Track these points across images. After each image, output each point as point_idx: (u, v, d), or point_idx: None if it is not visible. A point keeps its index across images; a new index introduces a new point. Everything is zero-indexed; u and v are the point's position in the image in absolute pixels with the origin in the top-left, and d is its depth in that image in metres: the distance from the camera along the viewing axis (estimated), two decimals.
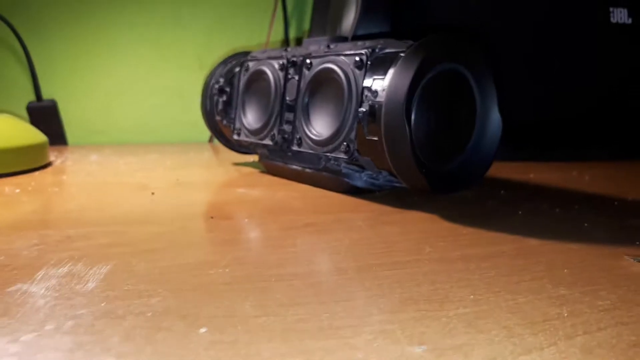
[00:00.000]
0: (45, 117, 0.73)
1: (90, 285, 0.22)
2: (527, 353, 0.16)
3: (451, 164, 0.35)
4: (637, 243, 0.28)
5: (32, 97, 0.73)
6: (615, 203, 0.38)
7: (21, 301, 0.20)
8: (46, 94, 0.74)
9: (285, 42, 0.81)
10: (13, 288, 0.21)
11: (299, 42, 0.83)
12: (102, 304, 0.20)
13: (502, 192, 0.42)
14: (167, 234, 0.29)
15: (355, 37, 0.54)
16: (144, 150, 0.69)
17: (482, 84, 0.35)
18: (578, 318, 0.19)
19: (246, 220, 0.33)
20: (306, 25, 0.82)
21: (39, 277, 0.22)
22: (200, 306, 0.20)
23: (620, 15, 0.57)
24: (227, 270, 0.24)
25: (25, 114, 0.72)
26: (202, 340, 0.17)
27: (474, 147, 0.36)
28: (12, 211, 0.34)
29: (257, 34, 0.81)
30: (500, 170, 0.52)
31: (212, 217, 0.33)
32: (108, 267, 0.24)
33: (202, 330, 0.18)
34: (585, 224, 0.32)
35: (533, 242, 0.28)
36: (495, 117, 0.36)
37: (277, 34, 0.82)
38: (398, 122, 0.32)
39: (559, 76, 0.59)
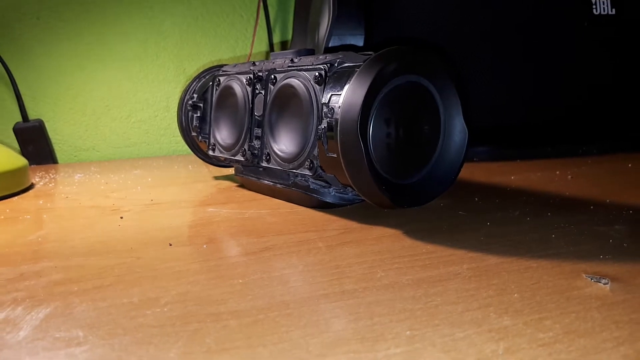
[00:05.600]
0: (33, 137, 0.73)
1: (22, 333, 0.21)
2: None
3: (416, 176, 0.34)
4: (601, 257, 0.27)
5: (18, 118, 0.73)
6: (591, 207, 0.37)
7: None
8: (33, 114, 0.74)
9: (270, 52, 0.81)
10: None
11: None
12: (26, 359, 0.19)
13: (476, 199, 0.41)
14: (120, 267, 0.29)
15: (328, 50, 0.53)
16: (129, 165, 0.69)
17: (444, 94, 0.34)
18: (512, 355, 0.18)
19: (205, 246, 0.32)
20: (289, 34, 0.81)
21: None
22: (124, 356, 0.19)
23: (603, 7, 0.56)
24: (165, 309, 0.23)
25: (12, 135, 0.72)
26: None
27: (440, 158, 0.35)
28: None
29: (242, 43, 0.80)
30: (483, 171, 0.51)
31: (170, 245, 0.32)
32: (48, 310, 0.23)
33: None
34: (553, 235, 0.31)
35: (492, 261, 0.27)
36: (460, 127, 0.35)
37: (262, 44, 0.81)
38: (353, 140, 0.31)
39: (545, 73, 0.58)
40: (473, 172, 0.52)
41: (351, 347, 0.19)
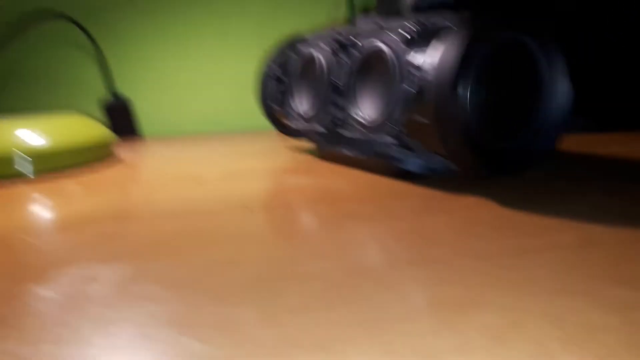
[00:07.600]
0: (121, 113, 0.75)
1: (104, 288, 0.21)
2: None
3: (512, 142, 0.32)
4: None
5: (108, 95, 0.76)
6: None
7: (28, 306, 0.20)
8: (120, 91, 0.77)
9: (353, 20, 0.79)
10: (25, 289, 0.21)
11: None
12: (107, 313, 0.19)
13: (575, 169, 0.37)
14: (200, 229, 0.29)
15: (416, 9, 0.51)
16: (211, 140, 0.70)
17: (547, 53, 0.31)
18: (632, 326, 0.16)
19: (284, 212, 0.31)
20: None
21: (57, 276, 0.22)
22: (205, 313, 0.18)
23: None
24: (246, 269, 0.22)
25: (102, 112, 0.75)
26: (185, 352, 0.16)
27: (540, 123, 0.32)
28: (64, 209, 0.35)
29: (322, 14, 0.79)
30: (581, 143, 0.47)
31: (250, 210, 0.32)
32: (130, 267, 0.23)
33: (184, 338, 0.16)
34: None
35: (597, 230, 0.24)
36: (563, 89, 0.32)
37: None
38: (447, 103, 0.29)
39: None
40: (570, 143, 0.48)
41: (441, 313, 0.17)
